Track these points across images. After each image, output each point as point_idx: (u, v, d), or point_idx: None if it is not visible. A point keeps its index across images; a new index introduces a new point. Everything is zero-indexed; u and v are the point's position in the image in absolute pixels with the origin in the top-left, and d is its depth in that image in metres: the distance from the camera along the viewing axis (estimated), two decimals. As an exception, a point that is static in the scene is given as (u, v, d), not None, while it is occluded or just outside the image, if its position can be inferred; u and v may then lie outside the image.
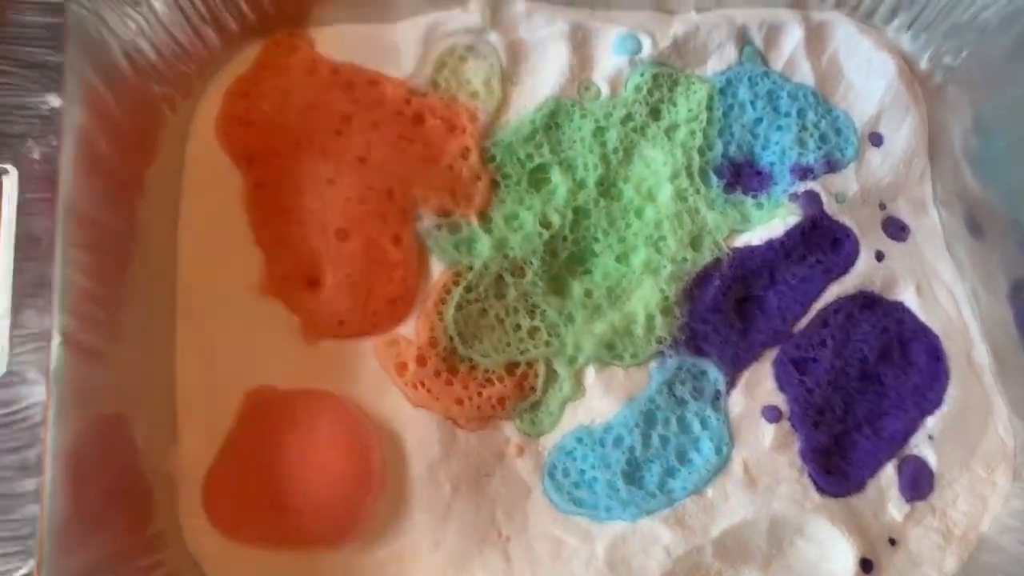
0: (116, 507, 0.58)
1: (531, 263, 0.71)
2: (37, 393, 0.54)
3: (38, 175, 0.57)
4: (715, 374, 0.69)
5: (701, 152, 0.74)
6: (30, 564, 0.51)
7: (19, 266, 0.55)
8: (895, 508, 0.68)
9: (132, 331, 0.63)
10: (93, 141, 0.61)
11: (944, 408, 0.70)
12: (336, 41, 0.75)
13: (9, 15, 0.59)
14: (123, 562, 0.57)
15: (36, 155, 0.57)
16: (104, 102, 0.63)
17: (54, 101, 0.59)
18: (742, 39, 0.78)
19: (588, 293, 0.71)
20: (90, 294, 0.59)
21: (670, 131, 0.75)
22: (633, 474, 0.67)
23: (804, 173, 0.74)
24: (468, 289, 0.70)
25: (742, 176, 0.75)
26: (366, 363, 0.68)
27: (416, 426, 0.67)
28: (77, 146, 0.59)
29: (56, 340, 0.55)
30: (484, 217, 0.72)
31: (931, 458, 0.69)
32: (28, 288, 0.55)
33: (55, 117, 0.58)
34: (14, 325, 0.55)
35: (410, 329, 0.69)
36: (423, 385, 0.67)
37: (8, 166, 0.57)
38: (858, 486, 0.68)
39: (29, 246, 0.56)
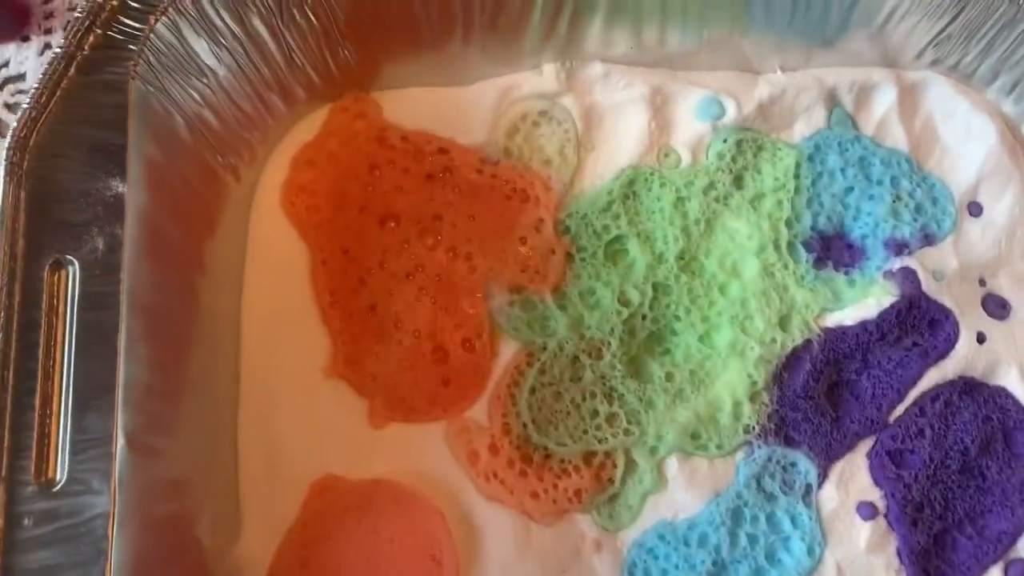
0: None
1: (608, 343, 0.67)
2: (101, 503, 0.51)
3: (101, 266, 0.55)
4: (806, 466, 0.65)
5: (789, 224, 0.70)
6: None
7: (81, 364, 0.53)
8: (1002, 617, 0.63)
9: (194, 420, 0.60)
10: (156, 223, 0.59)
11: (1055, 507, 0.65)
12: (404, 105, 0.72)
13: (71, 97, 0.56)
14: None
15: (100, 245, 0.55)
16: (167, 180, 0.60)
17: (118, 186, 0.56)
18: (831, 101, 0.73)
19: (669, 376, 0.67)
20: (151, 388, 0.56)
21: (755, 201, 0.71)
22: (719, 575, 0.63)
23: (899, 248, 0.70)
24: (542, 371, 0.66)
25: (832, 250, 0.70)
26: (437, 449, 0.65)
27: (489, 520, 0.63)
28: (141, 232, 0.57)
29: (120, 443, 0.52)
30: (559, 293, 0.69)
31: (1041, 562, 0.64)
32: (91, 389, 0.52)
33: (119, 203, 0.56)
34: (76, 429, 0.52)
35: (482, 412, 0.66)
36: (496, 476, 0.64)
37: (71, 257, 0.54)
38: (961, 591, 0.63)
39: (92, 342, 0.53)
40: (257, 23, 0.64)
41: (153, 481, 0.55)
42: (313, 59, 0.68)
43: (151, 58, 0.59)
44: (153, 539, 0.54)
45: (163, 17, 0.59)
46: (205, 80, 0.63)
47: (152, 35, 0.59)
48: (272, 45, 0.66)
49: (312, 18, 0.66)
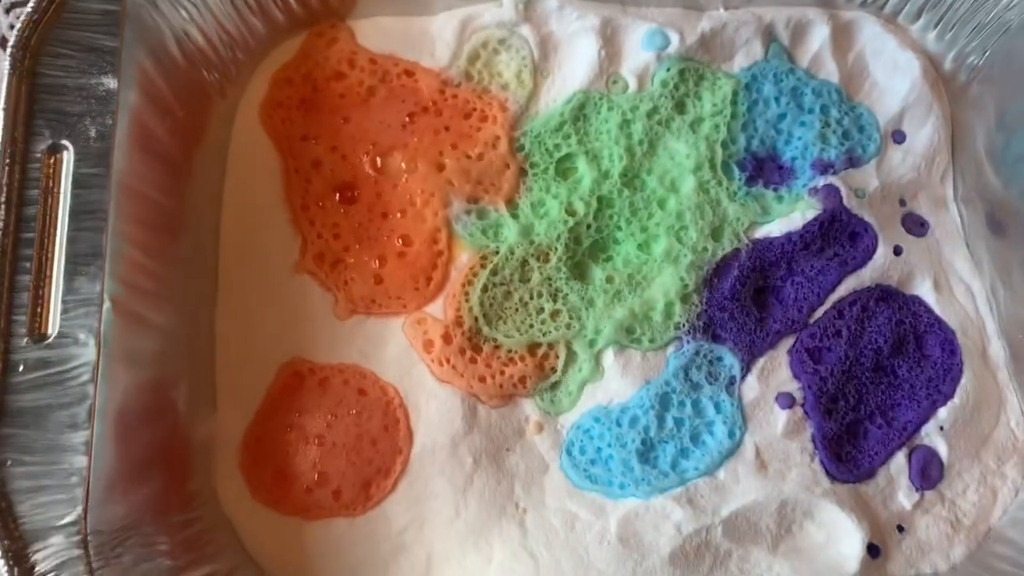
0: (157, 464, 0.62)
1: (555, 249, 0.73)
2: (87, 354, 0.58)
3: (94, 152, 0.61)
4: (731, 360, 0.71)
5: (724, 146, 0.77)
6: (77, 511, 0.55)
7: (73, 236, 0.59)
8: (904, 496, 0.69)
9: (177, 303, 0.67)
10: (146, 122, 0.65)
11: (956, 400, 0.71)
12: (375, 33, 0.78)
13: (69, 2, 0.63)
14: (161, 515, 0.61)
15: (92, 133, 0.62)
16: (156, 86, 0.67)
17: (110, 83, 0.63)
18: (769, 36, 0.79)
19: (609, 279, 0.73)
20: (139, 265, 0.63)
21: (694, 125, 0.77)
22: (647, 454, 0.69)
23: (825, 168, 0.76)
24: (494, 272, 0.73)
25: (764, 170, 0.77)
26: (395, 339, 0.72)
27: (440, 401, 0.70)
28: (131, 126, 0.63)
29: (106, 305, 0.59)
30: (511, 204, 0.75)
31: (942, 448, 0.70)
32: (81, 256, 0.59)
33: (110, 98, 0.62)
34: (67, 291, 0.59)
35: (438, 309, 0.72)
36: (448, 362, 0.70)
37: (66, 142, 0.61)
38: (868, 473, 0.70)
39: (83, 217, 0.60)
40: (238, -50, 0.71)
41: (136, 344, 0.62)
42: (292, -14, 0.75)
43: (143, -27, 0.66)
44: (134, 394, 0.61)
45: (154, -62, 0.66)
46: (193, 0, 0.70)
47: (143, -47, 0.66)
48: (254, -28, 0.73)
49: (289, -53, 0.73)
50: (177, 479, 0.65)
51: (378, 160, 0.75)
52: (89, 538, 0.55)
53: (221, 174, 0.74)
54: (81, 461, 0.56)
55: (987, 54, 0.76)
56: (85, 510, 0.55)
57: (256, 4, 0.74)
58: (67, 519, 0.55)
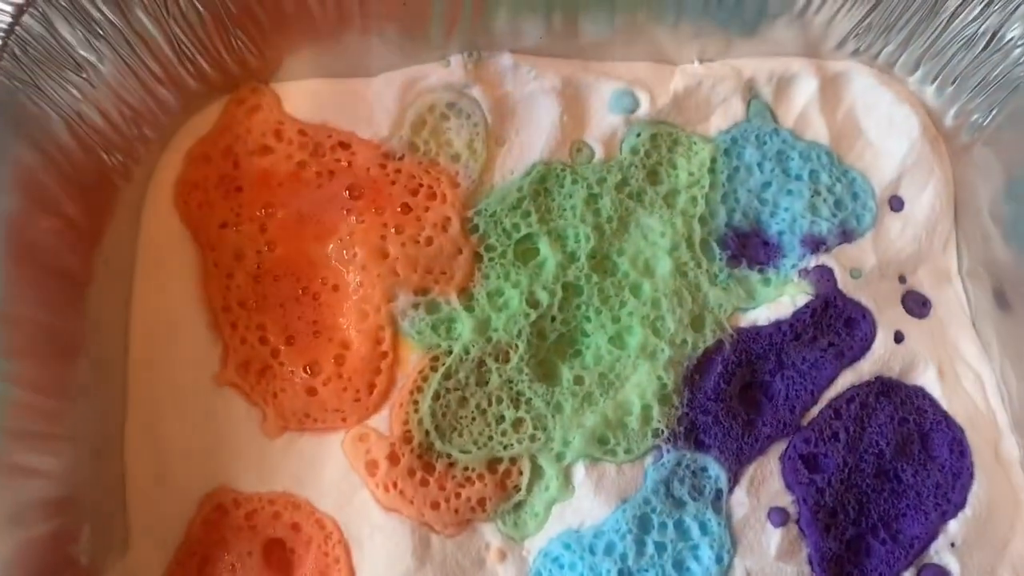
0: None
1: (516, 346, 0.65)
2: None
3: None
4: (716, 471, 0.63)
5: (703, 221, 0.68)
6: None
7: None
8: (914, 622, 0.62)
9: (76, 439, 0.57)
10: (28, 231, 0.56)
11: (968, 511, 0.63)
12: (304, 98, 0.69)
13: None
14: None
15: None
16: (42, 183, 0.57)
17: (-20, 191, 0.53)
18: (749, 93, 0.71)
19: (578, 380, 0.65)
20: (25, 406, 0.54)
21: (669, 197, 0.69)
22: (626, 586, 0.61)
23: (816, 244, 0.68)
24: (447, 376, 0.64)
25: (748, 247, 0.68)
26: (333, 460, 0.63)
27: (387, 535, 0.61)
28: (8, 240, 0.54)
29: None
30: (465, 295, 0.66)
31: (954, 567, 0.63)
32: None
33: (-18, 208, 0.53)
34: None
35: (383, 421, 0.63)
36: (395, 486, 0.62)
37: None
38: (873, 598, 0.62)
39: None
40: (140, 13, 0.61)
41: (27, 502, 0.52)
42: (204, 50, 0.65)
43: (17, 51, 0.56)
44: (25, 559, 0.51)
45: (30, 8, 0.56)
46: (84, 75, 0.60)
47: (18, 27, 0.56)
48: (158, 36, 0.63)
49: (199, 7, 0.62)
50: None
51: (311, 249, 0.65)
52: None
53: (127, 276, 0.64)
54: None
55: (993, 112, 0.68)
56: None
57: (162, 71, 0.64)
58: None
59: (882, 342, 0.66)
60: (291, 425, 0.63)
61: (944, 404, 0.66)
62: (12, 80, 0.55)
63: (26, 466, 0.53)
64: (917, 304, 0.69)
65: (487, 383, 0.64)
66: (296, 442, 0.63)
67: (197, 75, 0.66)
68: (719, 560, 0.62)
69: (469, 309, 0.66)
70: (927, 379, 0.67)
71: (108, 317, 0.62)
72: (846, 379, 0.66)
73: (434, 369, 0.64)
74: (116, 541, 0.60)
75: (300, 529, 0.61)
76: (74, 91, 0.60)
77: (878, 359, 0.66)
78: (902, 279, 0.70)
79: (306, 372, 0.64)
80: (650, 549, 0.62)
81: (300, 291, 0.65)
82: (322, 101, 0.69)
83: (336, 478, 0.62)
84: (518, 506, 0.63)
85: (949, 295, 0.70)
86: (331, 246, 0.65)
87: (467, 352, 0.64)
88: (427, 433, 0.63)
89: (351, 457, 0.63)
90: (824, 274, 0.67)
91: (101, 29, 0.59)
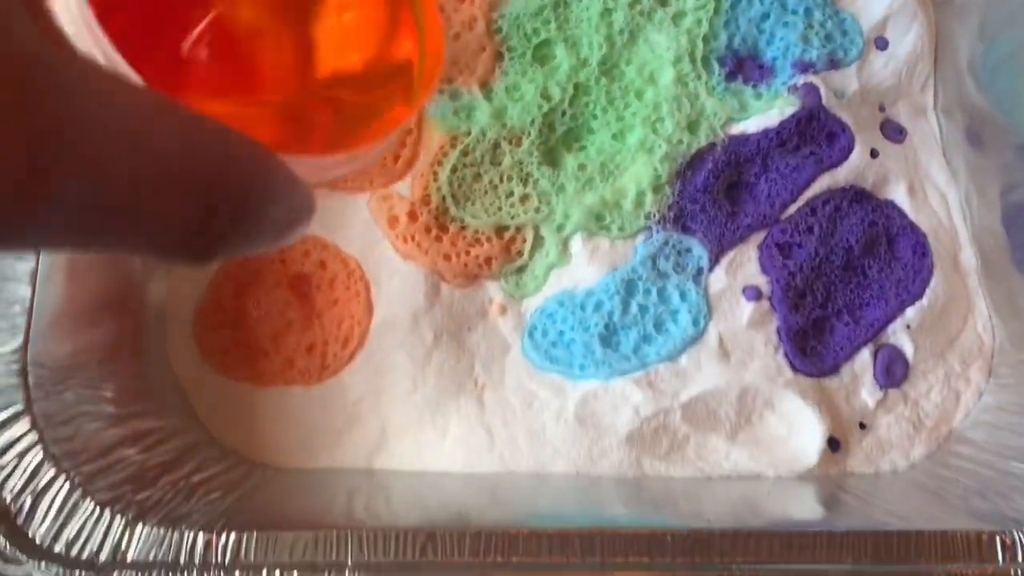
0: (108, 311, 0.60)
1: (528, 133, 0.72)
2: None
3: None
4: (699, 251, 0.70)
5: (706, 40, 0.75)
6: (17, 340, 0.53)
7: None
8: (867, 393, 0.69)
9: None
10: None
11: (924, 301, 0.70)
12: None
13: None
14: (108, 362, 0.60)
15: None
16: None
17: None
18: (756, -64, 0.78)
19: (582, 167, 0.72)
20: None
21: (677, 18, 0.76)
22: (610, 338, 0.68)
23: (806, 67, 0.75)
24: (464, 153, 0.71)
25: (744, 67, 0.76)
26: (359, 215, 0.70)
27: (403, 277, 0.68)
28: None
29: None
30: (486, 86, 0.74)
31: (907, 347, 0.70)
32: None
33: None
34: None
35: (405, 188, 0.71)
36: (413, 239, 0.69)
37: None
38: (832, 368, 0.69)
39: None
40: None
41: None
42: None
43: None
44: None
45: None
46: None
47: None
48: None
49: None
50: (128, 330, 0.63)
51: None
52: (29, 368, 0.53)
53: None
54: (25, 291, 0.54)
55: (974, -40, 0.75)
56: (26, 340, 0.53)
57: None
58: (6, 347, 0.53)
59: (859, 155, 0.73)
60: (324, 183, 0.70)
61: (911, 215, 0.73)
62: None
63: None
64: (894, 131, 0.76)
65: (500, 163, 0.72)
66: (327, 199, 0.70)
67: None
68: (695, 323, 0.69)
69: (488, 99, 0.73)
70: (897, 194, 0.74)
71: None
72: (823, 183, 0.73)
73: (453, 147, 0.72)
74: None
75: (326, 266, 0.69)
76: None
77: (854, 168, 0.73)
78: (881, 107, 0.77)
79: (340, 137, 0.71)
80: (634, 309, 0.69)
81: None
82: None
83: (361, 229, 0.70)
84: (520, 269, 0.71)
85: (924, 127, 0.77)
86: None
87: (484, 134, 0.72)
88: (444, 199, 0.70)
89: (375, 213, 0.70)
90: (811, 90, 0.74)
91: None
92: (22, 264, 0.54)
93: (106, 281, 0.61)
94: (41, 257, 0.55)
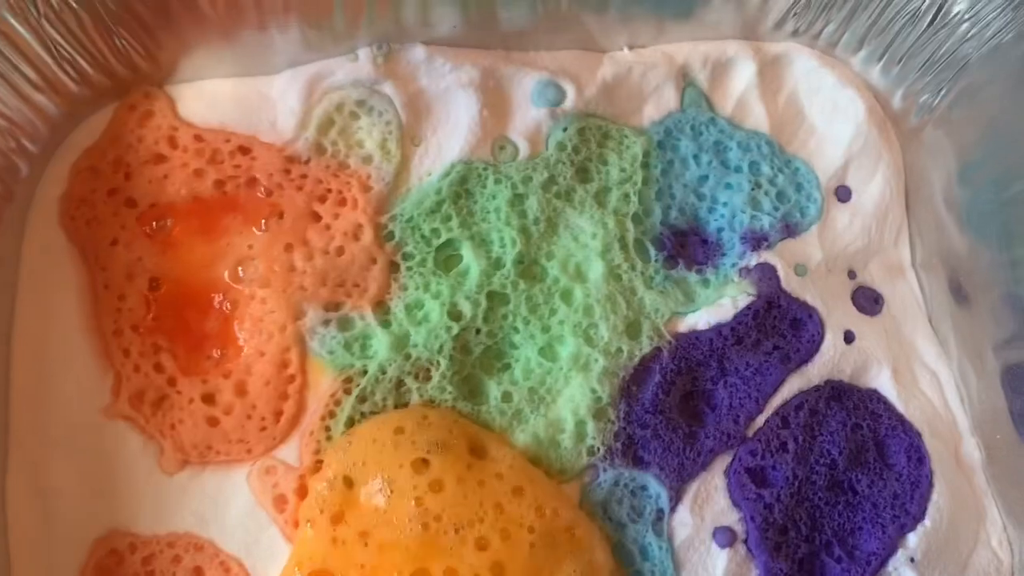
0: None
1: (438, 363, 0.60)
2: None
3: None
4: (656, 488, 0.59)
5: (637, 220, 0.63)
6: None
7: None
8: (874, 647, 0.58)
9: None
10: None
11: (927, 523, 0.59)
12: (200, 100, 0.64)
13: None
14: None
15: None
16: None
17: None
18: (683, 80, 0.67)
19: (507, 396, 0.60)
20: None
21: (600, 196, 0.64)
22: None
23: (758, 241, 0.63)
24: (362, 399, 0.59)
25: (685, 247, 0.64)
26: (239, 496, 0.58)
27: (302, 573, 0.56)
28: None
29: None
30: (381, 308, 0.61)
31: (913, 583, 0.58)
32: None
33: None
34: None
35: (292, 453, 0.58)
36: (309, 524, 0.56)
37: None
38: (828, 621, 0.58)
39: None
40: (5, 13, 0.55)
41: None
42: (85, 52, 0.60)
43: None
44: None
45: None
46: (-56, 83, 0.54)
47: None
48: (30, 38, 0.57)
49: (74, 5, 0.57)
50: None
51: (210, 265, 0.60)
52: None
53: (10, 303, 0.58)
54: None
55: (943, 92, 0.64)
56: None
57: (38, 76, 0.59)
58: None
59: (831, 343, 0.62)
60: (192, 459, 0.58)
61: (900, 407, 0.62)
62: None
63: None
64: (868, 300, 0.65)
65: (407, 405, 0.59)
66: (198, 477, 0.58)
67: (80, 79, 0.61)
68: (662, 589, 0.57)
69: (385, 324, 0.61)
70: (881, 381, 0.63)
71: (-15, 347, 0.57)
72: (793, 385, 0.61)
73: (348, 392, 0.59)
74: (-3, 597, 0.55)
75: (203, 574, 0.56)
76: (-67, 104, 0.54)
77: (827, 362, 0.62)
78: (851, 274, 0.65)
79: (206, 401, 0.58)
80: None
81: (198, 312, 0.59)
82: (220, 103, 0.63)
83: (242, 515, 0.57)
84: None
85: (903, 289, 0.66)
86: (231, 261, 0.60)
87: (383, 371, 0.59)
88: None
89: (257, 492, 0.57)
90: (766, 272, 0.62)
91: (-40, 33, 0.54)
92: None
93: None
94: None
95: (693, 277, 0.63)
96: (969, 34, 0.60)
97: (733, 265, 0.63)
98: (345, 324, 0.60)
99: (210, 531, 0.57)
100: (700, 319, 0.62)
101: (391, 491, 0.55)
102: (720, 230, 0.64)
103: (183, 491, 0.57)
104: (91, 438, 0.57)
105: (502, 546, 0.54)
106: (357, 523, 0.55)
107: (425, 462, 0.56)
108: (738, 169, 0.65)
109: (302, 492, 0.57)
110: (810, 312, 0.62)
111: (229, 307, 0.60)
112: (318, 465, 0.57)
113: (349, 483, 0.56)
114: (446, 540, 0.54)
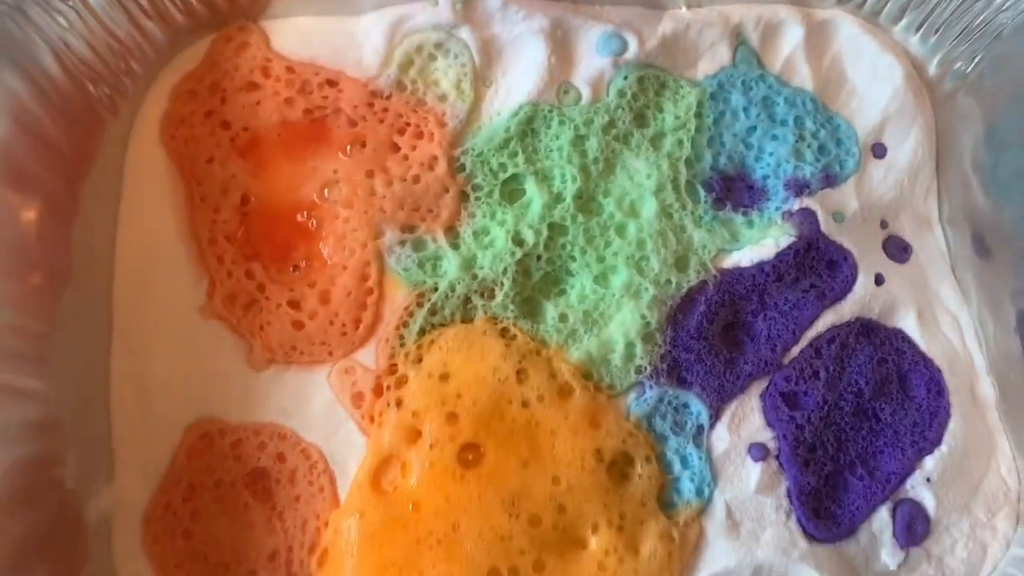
0: (42, 553, 0.53)
1: (501, 284, 0.65)
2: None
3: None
4: (698, 407, 0.64)
5: (689, 164, 0.69)
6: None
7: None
8: (888, 555, 0.63)
9: (61, 364, 0.58)
10: (18, 157, 0.56)
11: (944, 448, 0.64)
12: (292, 36, 0.69)
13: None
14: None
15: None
16: (30, 111, 0.57)
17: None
18: (736, 38, 0.72)
19: (563, 317, 0.65)
20: (17, 328, 0.54)
21: (656, 140, 0.69)
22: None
23: (800, 188, 0.68)
24: (432, 312, 0.64)
25: (732, 191, 0.69)
26: (319, 393, 0.63)
27: (374, 464, 0.61)
28: (2, 166, 0.53)
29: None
30: (451, 232, 0.66)
31: (928, 501, 0.64)
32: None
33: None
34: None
35: (369, 356, 0.64)
36: (380, 417, 0.62)
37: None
38: (849, 531, 0.63)
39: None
40: (124, -54, 0.61)
41: (11, 422, 0.53)
42: (191, -16, 0.65)
43: (4, -26, 0.55)
44: (7, 476, 0.52)
45: (16, -69, 0.56)
46: (71, 2, 0.60)
47: (3, -50, 0.55)
48: (145, -31, 0.62)
49: (186, -61, 0.62)
50: (68, 567, 0.56)
51: (298, 185, 0.66)
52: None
53: (114, 209, 0.64)
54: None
55: (976, 60, 0.69)
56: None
57: (150, 4, 0.65)
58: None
59: (863, 284, 0.67)
60: (278, 358, 0.63)
61: (923, 346, 0.67)
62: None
63: (10, 386, 0.53)
64: (898, 249, 0.70)
65: (472, 320, 0.65)
66: (283, 375, 0.63)
67: (185, 10, 0.66)
68: (700, 493, 0.62)
69: (455, 247, 0.66)
70: (906, 322, 0.68)
71: (95, 248, 0.62)
72: (827, 319, 0.67)
73: (420, 305, 0.65)
74: (102, 468, 0.60)
75: (285, 459, 0.62)
76: (60, 19, 0.60)
77: (859, 300, 0.67)
78: (884, 224, 0.71)
79: (292, 307, 0.64)
80: (632, 482, 0.62)
81: (286, 227, 0.65)
82: (311, 39, 0.69)
83: (322, 409, 0.63)
84: (503, 441, 0.64)
85: (929, 241, 0.71)
86: (318, 183, 0.65)
87: (453, 289, 0.65)
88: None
89: (337, 389, 0.63)
90: (807, 216, 0.67)
91: (87, -43, 0.59)
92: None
93: (34, 518, 0.53)
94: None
95: (739, 218, 0.68)
96: (1005, 5, 0.65)
97: (777, 209, 0.68)
98: (419, 245, 0.66)
99: (292, 422, 0.62)
100: (744, 256, 0.67)
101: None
102: (765, 177, 0.69)
103: (269, 386, 0.63)
104: (187, 333, 0.63)
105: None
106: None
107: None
108: (784, 123, 0.70)
109: (378, 391, 0.62)
110: (845, 255, 0.67)
111: (315, 224, 0.65)
112: (392, 368, 0.63)
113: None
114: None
